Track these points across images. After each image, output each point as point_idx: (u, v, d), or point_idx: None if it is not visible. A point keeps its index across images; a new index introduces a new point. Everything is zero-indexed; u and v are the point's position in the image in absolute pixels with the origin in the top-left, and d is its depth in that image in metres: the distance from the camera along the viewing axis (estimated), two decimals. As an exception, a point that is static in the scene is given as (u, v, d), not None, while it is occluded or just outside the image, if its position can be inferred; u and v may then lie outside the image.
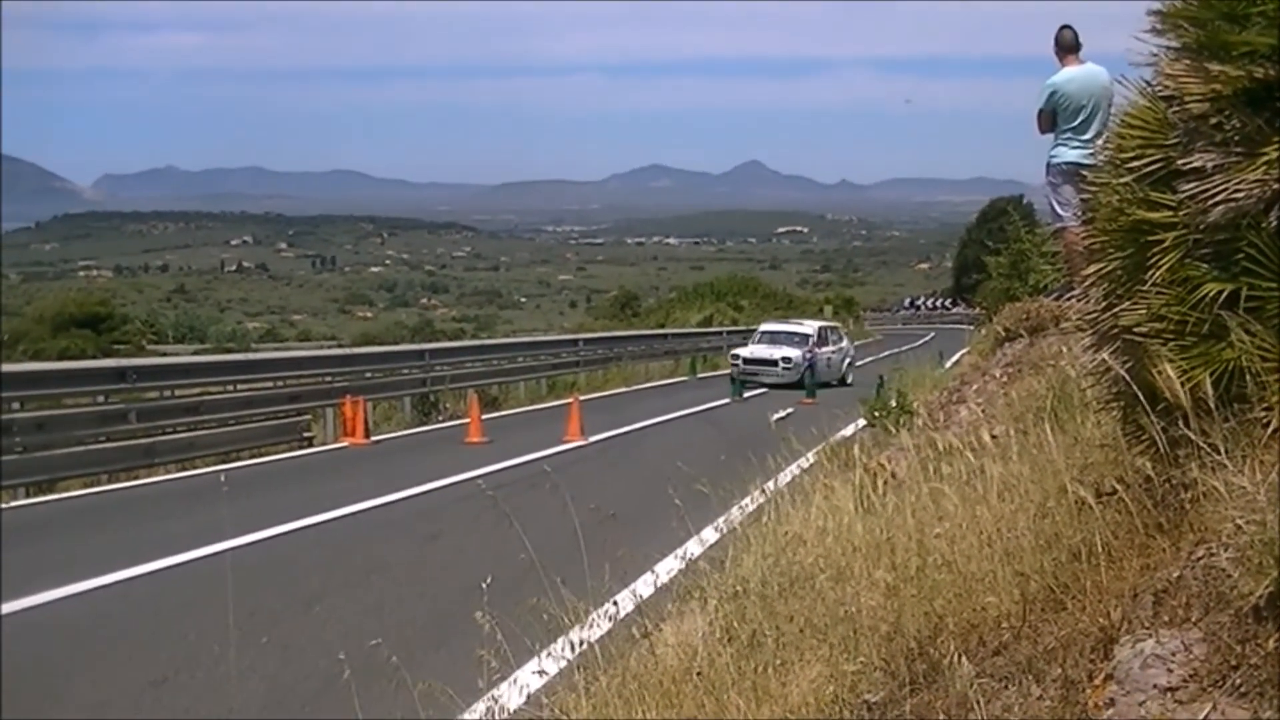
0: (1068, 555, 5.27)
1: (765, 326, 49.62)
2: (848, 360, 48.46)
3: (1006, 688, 4.58)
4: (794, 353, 44.34)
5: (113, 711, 8.64)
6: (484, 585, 6.83)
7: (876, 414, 18.94)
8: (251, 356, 37.26)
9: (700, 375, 48.27)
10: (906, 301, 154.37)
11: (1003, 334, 14.08)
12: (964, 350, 40.36)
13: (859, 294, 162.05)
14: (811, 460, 13.01)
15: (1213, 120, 5.19)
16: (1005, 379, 12.31)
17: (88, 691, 9.09)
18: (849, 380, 45.09)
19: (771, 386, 41.86)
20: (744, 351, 45.31)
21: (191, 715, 8.44)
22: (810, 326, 48.52)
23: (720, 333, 65.17)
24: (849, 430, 18.18)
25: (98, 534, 15.94)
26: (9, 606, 11.15)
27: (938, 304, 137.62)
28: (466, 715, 6.75)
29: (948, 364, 36.35)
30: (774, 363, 44.16)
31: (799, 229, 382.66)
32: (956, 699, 4.59)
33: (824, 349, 46.23)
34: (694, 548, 10.39)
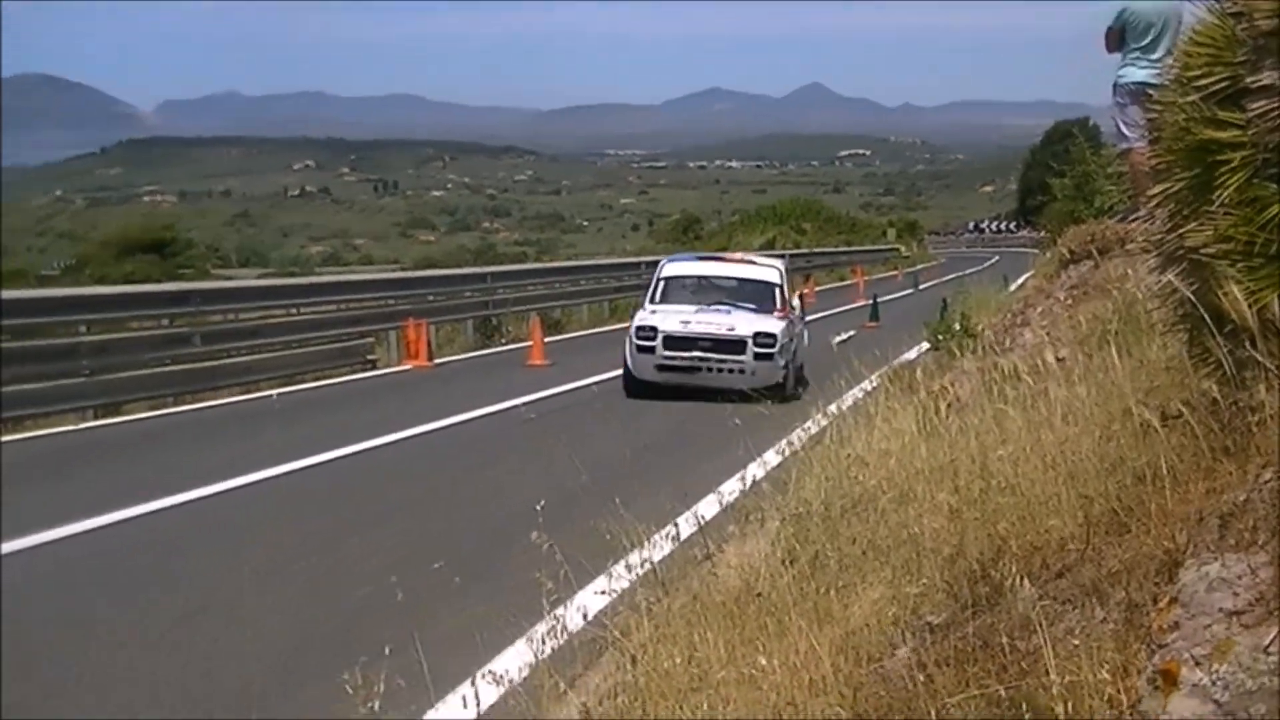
0: (1132, 478, 5.24)
1: (685, 268, 24.41)
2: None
3: (1069, 610, 4.55)
4: (769, 323, 21.55)
5: (176, 631, 8.71)
6: (538, 508, 6.84)
7: (940, 337, 18.85)
8: (314, 280, 37.51)
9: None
10: (970, 225, 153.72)
11: (1067, 256, 13.96)
12: (1028, 273, 40.11)
13: (922, 217, 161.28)
14: (874, 383, 12.96)
15: (1282, 36, 5.12)
16: (1070, 302, 12.22)
17: (142, 613, 9.15)
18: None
19: (724, 392, 16.35)
20: (662, 321, 21.46)
21: (244, 636, 8.49)
22: (768, 268, 24.44)
23: (783, 255, 64.96)
24: (912, 354, 18.13)
25: (160, 457, 16.05)
26: (74, 528, 11.23)
27: (1002, 227, 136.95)
28: (529, 633, 6.76)
29: (1012, 287, 36.12)
30: (735, 344, 21.09)
31: (861, 152, 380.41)
32: (1019, 621, 4.57)
33: (794, 313, 23.45)
34: (756, 470, 10.38)
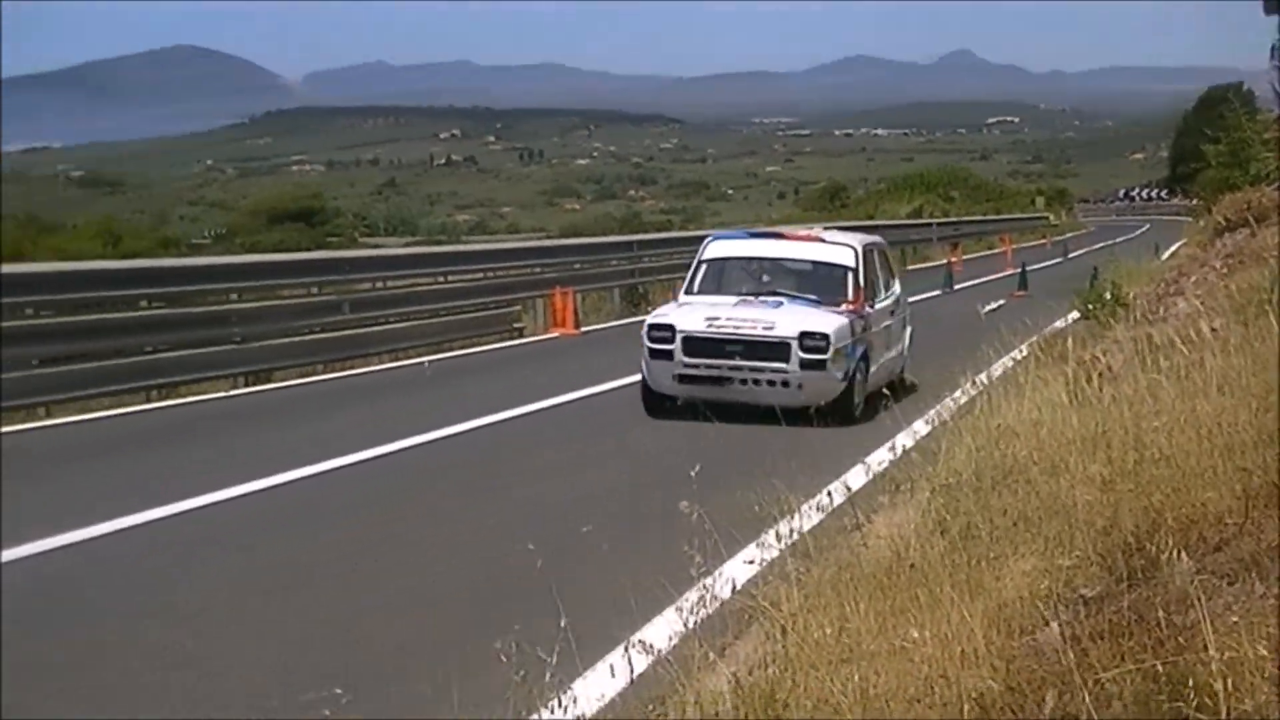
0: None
1: (732, 247, 18.24)
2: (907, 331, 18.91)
3: (1228, 584, 4.50)
4: (823, 320, 15.86)
5: (360, 574, 8.82)
6: (693, 474, 6.85)
7: (1090, 307, 18.64)
8: (461, 248, 37.83)
9: (910, 267, 47.75)
10: (1120, 192, 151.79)
11: (1222, 224, 13.78)
12: (1181, 242, 39.49)
13: (1071, 185, 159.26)
14: (1024, 353, 12.84)
15: None
16: (1225, 270, 12.07)
17: (316, 562, 9.28)
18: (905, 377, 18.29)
19: (760, 410, 14.79)
20: (681, 318, 16.20)
21: (409, 586, 8.58)
22: (840, 246, 17.65)
23: (930, 224, 64.38)
24: (1061, 324, 17.94)
25: (310, 423, 16.24)
26: (229, 492, 11.40)
27: (1153, 194, 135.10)
28: (678, 602, 6.77)
29: (1164, 256, 35.60)
30: (776, 348, 15.59)
31: (1010, 119, 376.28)
32: (1176, 595, 4.53)
33: (877, 305, 17.30)
34: (905, 439, 10.33)
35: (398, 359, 22.10)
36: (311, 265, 24.00)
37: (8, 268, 17.35)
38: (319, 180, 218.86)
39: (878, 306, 17.05)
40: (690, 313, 16.20)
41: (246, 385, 18.99)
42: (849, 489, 8.59)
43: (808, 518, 7.74)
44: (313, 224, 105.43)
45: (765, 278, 17.14)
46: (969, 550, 6.25)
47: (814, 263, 17.21)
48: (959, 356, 11.40)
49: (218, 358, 18.95)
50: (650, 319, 16.50)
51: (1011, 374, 11.28)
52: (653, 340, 15.82)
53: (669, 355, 15.68)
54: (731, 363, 15.51)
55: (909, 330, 18.45)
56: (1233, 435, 5.82)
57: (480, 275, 27.55)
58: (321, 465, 12.52)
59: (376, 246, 69.56)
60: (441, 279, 26.23)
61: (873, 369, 16.26)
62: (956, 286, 36.96)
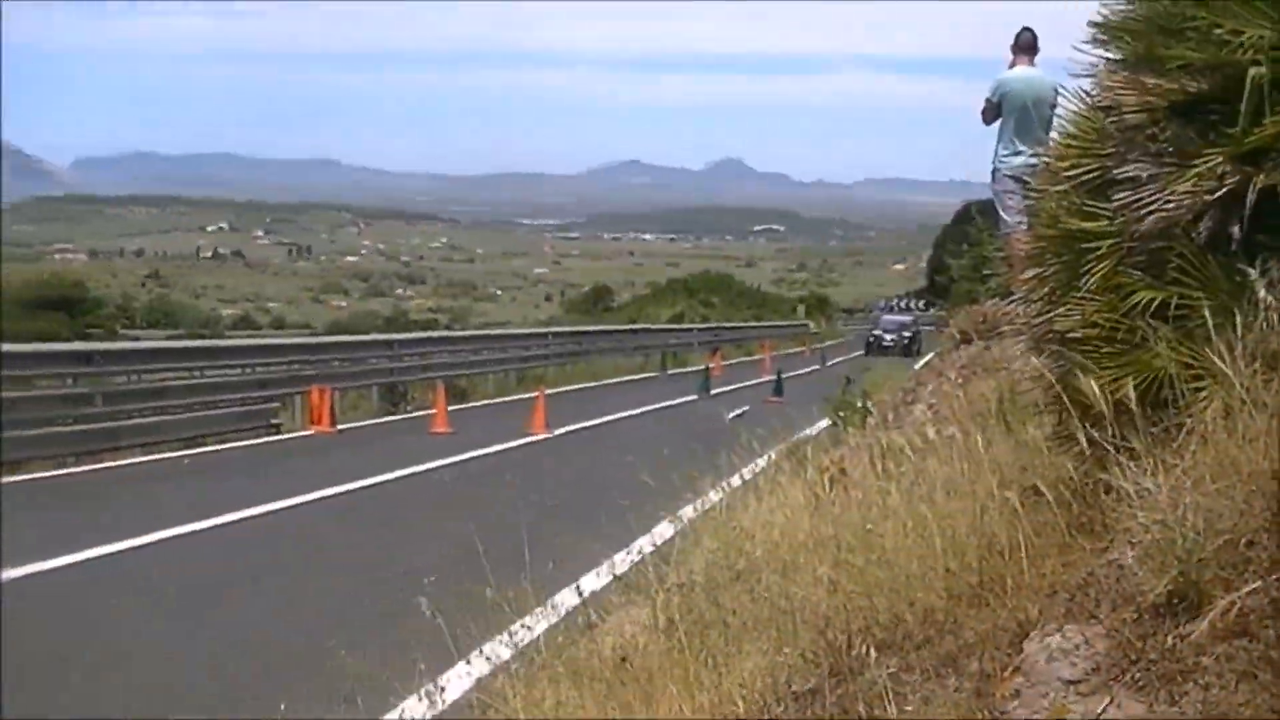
0: (997, 554, 5.39)
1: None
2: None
3: (927, 680, 4.69)
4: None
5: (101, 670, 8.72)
6: (427, 581, 6.92)
7: (840, 414, 19.02)
8: (219, 343, 37.42)
9: (669, 371, 48.24)
10: (881, 303, 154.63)
11: (957, 337, 14.21)
12: (934, 352, 40.43)
13: (835, 293, 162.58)
14: (770, 458, 13.08)
15: (1148, 131, 5.32)
16: (960, 380, 12.43)
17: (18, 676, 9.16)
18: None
19: None
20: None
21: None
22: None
23: (690, 329, 65.17)
24: (812, 430, 18.30)
25: (61, 514, 16.01)
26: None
27: (912, 304, 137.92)
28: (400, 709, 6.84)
29: (917, 364, 36.44)
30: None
31: (775, 227, 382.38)
32: (877, 691, 4.71)
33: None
34: (644, 542, 10.48)
35: (152, 453, 21.82)
36: (65, 356, 23.61)
37: None
38: (81, 269, 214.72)
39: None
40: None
41: (-5, 476, 18.65)
42: (580, 591, 8.66)
43: (542, 617, 7.83)
44: (73, 314, 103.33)
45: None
46: (692, 648, 6.39)
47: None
48: (703, 460, 11.59)
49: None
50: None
51: (754, 479, 11.50)
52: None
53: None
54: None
55: None
56: (952, 539, 6.02)
57: (239, 370, 27.36)
58: (66, 559, 12.40)
59: (137, 339, 68.44)
60: (198, 373, 26.00)
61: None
62: (714, 391, 37.42)
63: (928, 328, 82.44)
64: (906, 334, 71.35)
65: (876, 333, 73.80)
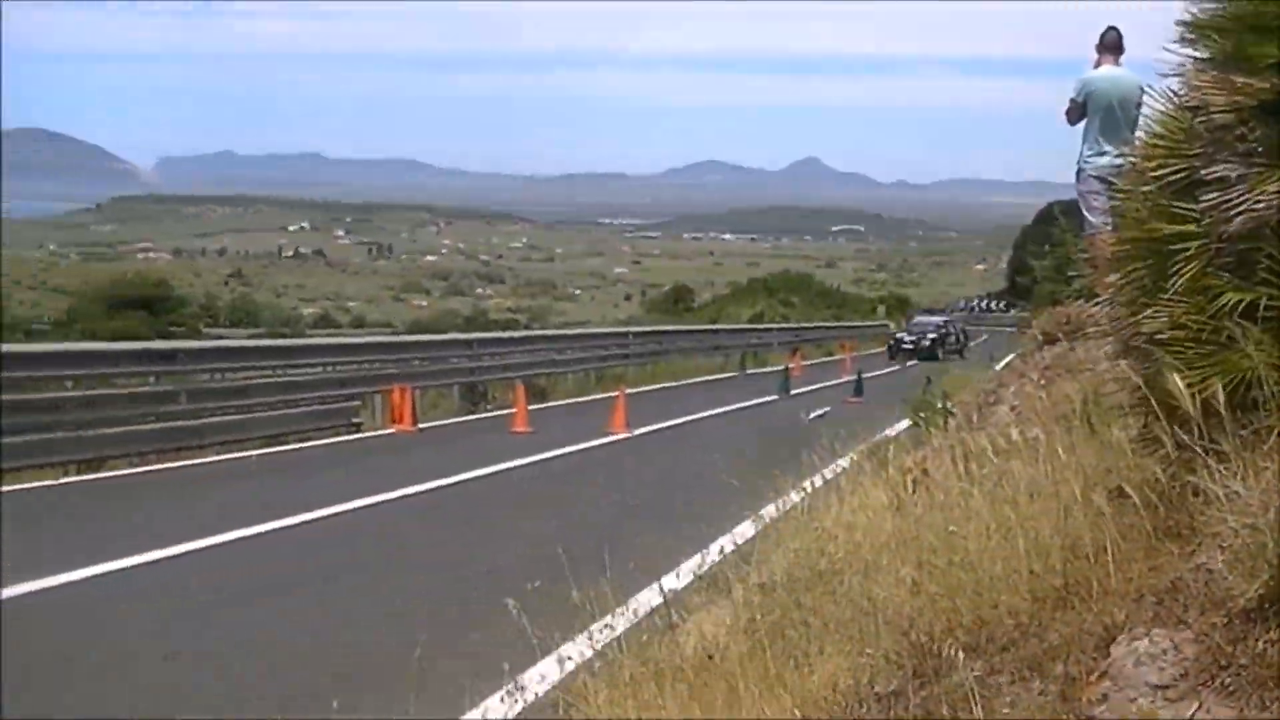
0: (1082, 557, 5.35)
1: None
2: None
3: (1012, 683, 4.66)
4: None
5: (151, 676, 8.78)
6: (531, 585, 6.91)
7: (921, 414, 18.93)
8: (301, 342, 37.63)
9: (749, 371, 48.13)
10: (961, 303, 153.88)
11: (1040, 338, 14.11)
12: (1015, 353, 40.18)
13: (914, 294, 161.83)
14: (851, 458, 13.03)
15: (1236, 131, 5.26)
16: (1043, 381, 12.33)
17: (101, 672, 9.22)
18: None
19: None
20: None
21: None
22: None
23: (770, 329, 65.06)
24: (893, 430, 18.23)
25: (141, 512, 16.12)
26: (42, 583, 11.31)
27: (992, 305, 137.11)
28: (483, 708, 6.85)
29: (998, 366, 36.23)
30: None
31: (855, 227, 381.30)
32: (962, 693, 4.68)
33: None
34: (725, 542, 10.47)
35: (233, 451, 21.94)
36: (148, 354, 23.76)
37: None
38: (164, 268, 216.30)
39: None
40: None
41: (78, 473, 18.79)
42: (662, 590, 8.65)
43: (624, 617, 7.83)
44: (155, 313, 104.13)
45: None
46: (774, 649, 6.38)
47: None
48: (784, 460, 11.55)
49: (49, 445, 18.70)
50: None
51: (835, 479, 11.46)
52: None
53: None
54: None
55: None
56: (1036, 541, 5.98)
57: (320, 369, 27.48)
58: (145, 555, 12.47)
59: (219, 337, 68.95)
60: (281, 372, 26.15)
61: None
62: (794, 391, 37.32)
63: (981, 328, 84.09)
64: (931, 335, 66.03)
65: (898, 335, 69.14)
